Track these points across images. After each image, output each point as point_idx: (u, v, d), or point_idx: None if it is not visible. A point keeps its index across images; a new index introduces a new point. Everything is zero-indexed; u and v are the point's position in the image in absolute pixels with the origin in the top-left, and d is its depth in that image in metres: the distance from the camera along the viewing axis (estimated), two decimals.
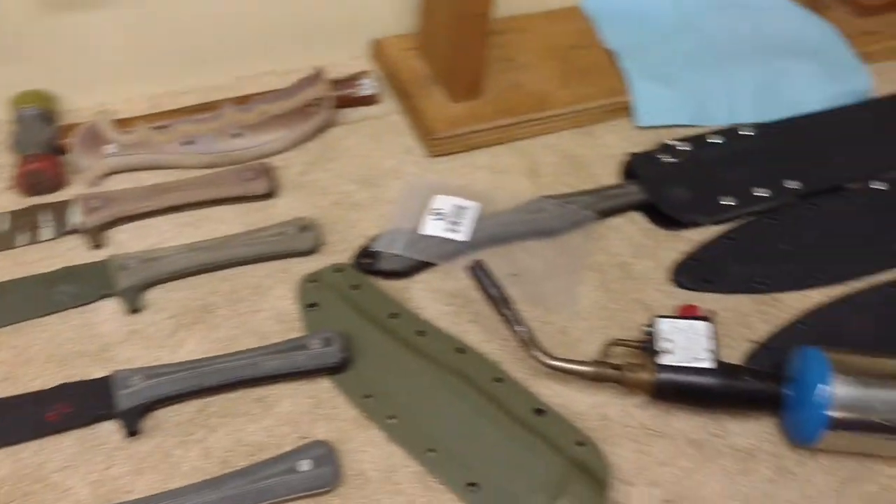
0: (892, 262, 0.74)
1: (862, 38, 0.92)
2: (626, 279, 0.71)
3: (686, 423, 0.62)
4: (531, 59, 0.85)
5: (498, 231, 0.71)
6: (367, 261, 0.68)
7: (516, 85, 0.82)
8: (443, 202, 0.71)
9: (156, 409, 0.60)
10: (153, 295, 0.67)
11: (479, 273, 0.63)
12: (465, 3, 0.71)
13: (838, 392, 0.57)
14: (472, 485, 0.56)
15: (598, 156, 0.80)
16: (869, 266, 0.73)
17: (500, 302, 0.62)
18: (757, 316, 0.69)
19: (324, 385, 0.62)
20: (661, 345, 0.61)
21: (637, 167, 0.77)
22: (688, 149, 0.79)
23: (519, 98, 0.81)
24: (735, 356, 0.66)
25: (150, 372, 0.60)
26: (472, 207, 0.71)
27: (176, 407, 0.61)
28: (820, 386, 0.58)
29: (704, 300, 0.70)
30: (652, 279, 0.71)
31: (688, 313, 0.63)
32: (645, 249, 0.73)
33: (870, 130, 0.84)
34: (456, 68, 0.76)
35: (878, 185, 0.79)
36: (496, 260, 0.70)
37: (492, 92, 0.81)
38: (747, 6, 0.93)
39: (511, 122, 0.79)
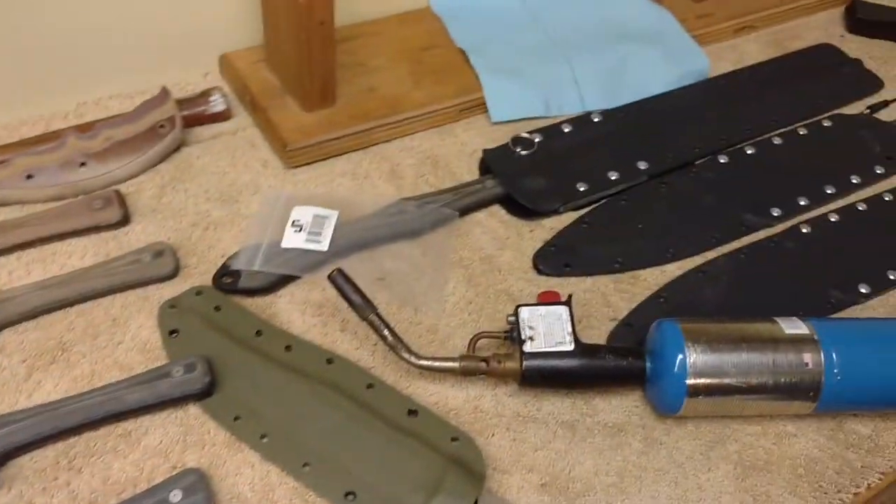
0: (740, 230, 0.78)
1: (697, 22, 0.97)
2: (490, 272, 0.72)
3: (557, 406, 0.64)
4: (384, 62, 0.85)
5: (360, 237, 0.71)
6: (228, 280, 0.67)
7: (370, 89, 0.82)
8: (301, 213, 0.71)
9: (15, 457, 0.57)
10: (4, 338, 0.63)
11: (340, 281, 0.63)
12: (306, 12, 0.71)
13: (693, 361, 0.60)
14: (350, 494, 0.56)
15: (457, 154, 0.81)
16: (719, 236, 0.77)
17: (363, 308, 0.62)
18: (617, 294, 0.72)
19: (192, 412, 0.60)
20: (525, 333, 0.62)
21: (492, 162, 0.78)
22: (540, 139, 0.81)
23: (373, 102, 0.81)
24: (600, 336, 0.69)
25: (4, 420, 0.57)
26: (331, 216, 0.71)
27: (36, 452, 0.58)
28: (677, 357, 0.60)
29: (567, 285, 0.72)
30: (516, 269, 0.73)
31: (547, 299, 0.65)
32: (507, 241, 0.75)
33: (710, 108, 0.89)
34: (305, 78, 0.76)
35: (722, 159, 0.83)
36: (361, 266, 0.70)
37: (345, 98, 0.81)
38: None
39: (367, 127, 0.79)
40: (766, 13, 1.01)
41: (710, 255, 0.76)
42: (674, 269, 0.75)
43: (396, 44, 0.88)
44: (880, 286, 0.74)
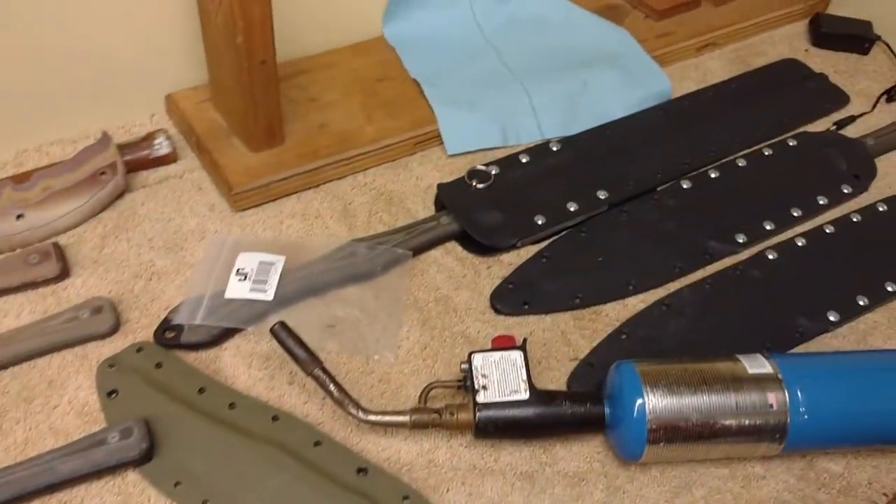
0: (705, 259, 0.76)
1: (658, 42, 0.95)
2: (446, 313, 0.70)
3: (515, 456, 0.61)
4: (336, 96, 0.83)
5: (309, 283, 0.68)
6: (170, 335, 0.64)
7: (321, 125, 0.80)
8: (246, 260, 0.68)
9: None
10: None
11: (283, 335, 0.60)
12: (245, 52, 0.68)
13: (653, 406, 0.58)
14: None
15: (412, 189, 0.79)
16: (683, 266, 0.75)
17: (307, 362, 0.60)
18: (578, 332, 0.69)
19: (131, 478, 0.58)
20: (478, 382, 0.60)
21: (446, 197, 0.76)
22: (497, 171, 0.79)
23: (324, 139, 0.78)
24: (560, 377, 0.66)
25: None
26: (278, 262, 0.68)
27: None
28: (635, 402, 0.58)
29: (525, 324, 0.70)
30: (472, 310, 0.70)
31: (502, 344, 0.63)
32: (464, 280, 0.72)
33: (673, 131, 0.87)
34: (250, 118, 0.73)
35: (685, 184, 0.81)
36: (310, 313, 0.68)
37: (295, 136, 0.78)
38: (547, 22, 0.94)
39: (317, 165, 0.77)
40: (729, 29, 0.99)
41: (674, 285, 0.74)
42: (636, 303, 0.72)
43: (349, 76, 0.85)
44: (849, 312, 0.72)
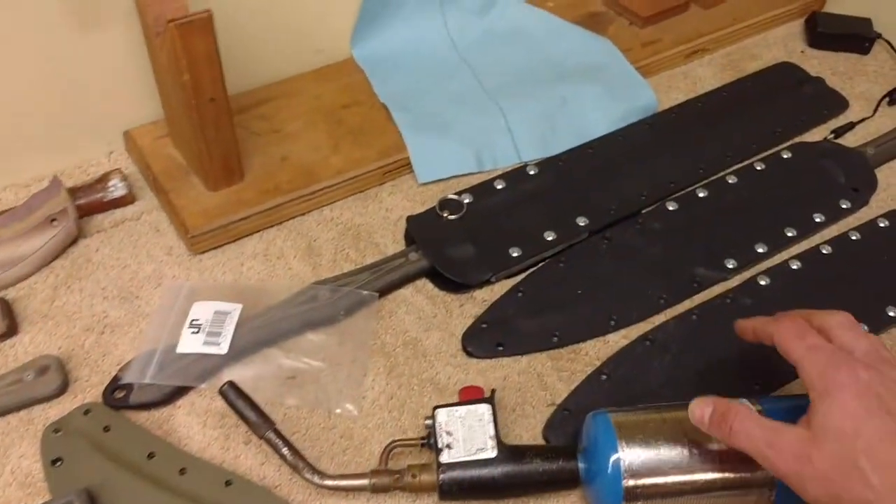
0: (692, 288, 0.71)
1: (644, 50, 0.90)
2: (415, 358, 0.66)
3: None
4: (299, 126, 0.79)
5: (266, 332, 0.64)
6: (119, 395, 0.61)
7: (283, 159, 0.76)
8: (201, 311, 0.64)
9: None
10: None
11: (232, 396, 0.56)
12: (193, 91, 0.65)
13: (629, 461, 0.53)
14: None
15: (381, 222, 0.75)
16: (668, 297, 0.70)
17: (258, 425, 0.56)
18: (555, 374, 0.65)
19: None
20: (442, 440, 0.56)
21: (415, 231, 0.72)
22: (470, 200, 0.75)
23: (286, 174, 0.75)
24: (536, 424, 0.62)
25: None
26: (234, 311, 0.65)
27: None
28: (610, 457, 0.54)
29: (499, 367, 0.66)
30: (443, 353, 0.66)
31: (468, 396, 0.58)
32: (434, 320, 0.68)
33: (659, 147, 0.82)
34: (204, 157, 0.70)
35: (671, 206, 0.77)
36: (268, 365, 0.64)
37: (256, 171, 0.74)
38: (525, 35, 0.90)
39: (279, 201, 0.73)
40: (719, 34, 0.94)
41: (659, 318, 0.69)
42: (618, 339, 0.68)
43: (313, 103, 0.82)
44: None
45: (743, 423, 0.49)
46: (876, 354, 0.49)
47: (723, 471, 0.54)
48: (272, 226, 0.74)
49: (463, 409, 0.57)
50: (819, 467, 0.45)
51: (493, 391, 0.59)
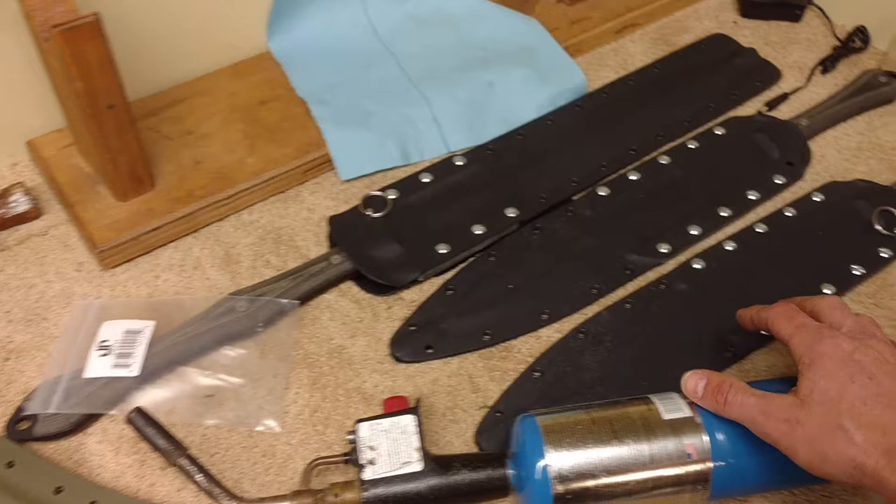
0: (625, 276, 0.69)
1: (573, 28, 0.88)
2: (340, 368, 0.63)
3: None
4: (213, 126, 0.75)
5: (181, 350, 0.61)
6: (23, 427, 0.57)
7: (196, 163, 0.72)
8: (110, 331, 0.61)
9: None
10: None
11: (139, 423, 0.54)
12: (87, 99, 0.61)
13: (558, 466, 0.51)
14: None
15: (303, 224, 0.72)
16: (601, 286, 0.68)
17: (170, 452, 0.53)
18: (487, 375, 0.63)
19: None
20: (365, 455, 0.53)
21: (337, 232, 0.69)
22: (395, 196, 0.72)
23: (200, 178, 0.71)
24: (467, 429, 0.60)
25: None
26: (146, 329, 0.61)
27: None
28: (537, 463, 0.52)
29: (429, 371, 0.63)
30: (370, 360, 0.64)
31: (392, 408, 0.56)
32: (360, 325, 0.66)
33: (590, 130, 0.79)
34: (108, 167, 0.66)
35: (602, 191, 0.74)
36: (184, 384, 0.61)
37: (167, 178, 0.71)
38: (450, 18, 0.86)
39: (193, 208, 0.69)
40: (650, 7, 0.91)
41: (593, 309, 0.67)
42: (551, 334, 0.66)
43: (229, 101, 0.78)
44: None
45: (737, 394, 0.51)
46: (861, 329, 0.52)
47: (654, 469, 0.52)
48: (187, 234, 0.70)
49: (386, 422, 0.55)
50: (807, 430, 0.48)
51: (417, 401, 0.57)
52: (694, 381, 0.54)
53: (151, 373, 0.60)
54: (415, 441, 0.54)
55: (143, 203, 0.69)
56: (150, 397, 0.59)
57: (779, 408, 0.49)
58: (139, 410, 0.54)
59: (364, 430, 0.54)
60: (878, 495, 0.47)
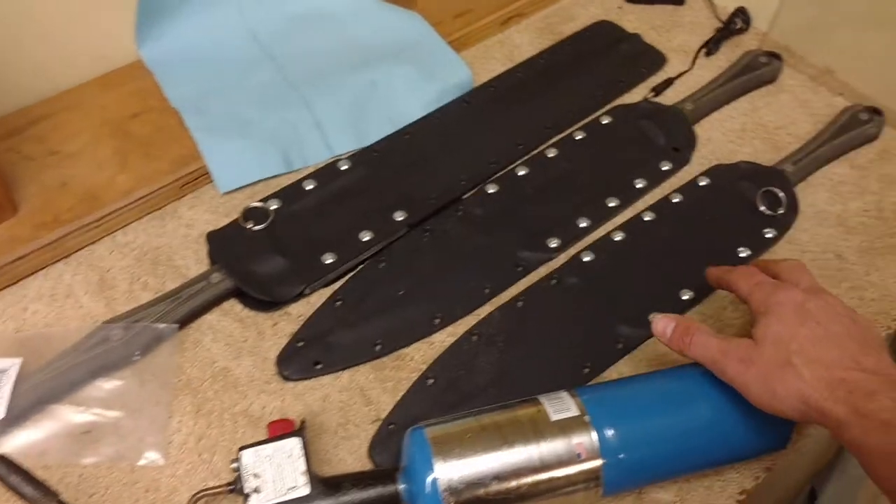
0: (516, 273, 0.68)
1: (456, 22, 0.86)
2: (225, 391, 0.61)
3: None
4: (81, 144, 0.72)
5: (53, 386, 0.58)
6: None
7: (62, 184, 0.68)
8: None
9: None
10: None
11: (2, 472, 0.50)
12: None
13: (448, 478, 0.50)
14: None
15: (182, 241, 0.69)
16: (493, 286, 0.68)
17: (38, 501, 0.50)
18: (379, 386, 0.62)
19: None
20: (249, 483, 0.51)
21: (216, 249, 0.66)
22: (278, 206, 0.70)
23: (67, 201, 0.67)
24: (361, 445, 0.59)
25: None
26: (11, 368, 0.58)
27: None
28: (426, 476, 0.51)
29: (319, 387, 0.61)
30: (257, 380, 0.61)
31: (277, 432, 0.54)
32: (245, 345, 0.63)
33: (476, 126, 0.78)
34: None
35: (491, 189, 0.73)
36: (57, 423, 0.58)
37: (30, 202, 0.67)
38: (330, 17, 0.84)
39: (61, 234, 0.66)
40: None
41: (486, 310, 0.66)
42: (444, 339, 0.65)
43: (97, 116, 0.74)
44: (674, 311, 0.65)
45: (701, 336, 0.55)
46: (816, 287, 0.55)
47: (545, 471, 0.52)
48: (57, 261, 0.67)
49: (270, 447, 0.53)
50: (760, 368, 0.51)
51: (302, 422, 0.55)
52: (663, 323, 0.57)
53: (19, 414, 0.57)
54: (301, 465, 0.52)
55: (4, 231, 0.65)
56: (18, 440, 0.56)
57: (736, 348, 0.53)
58: (2, 458, 0.51)
59: (248, 457, 0.52)
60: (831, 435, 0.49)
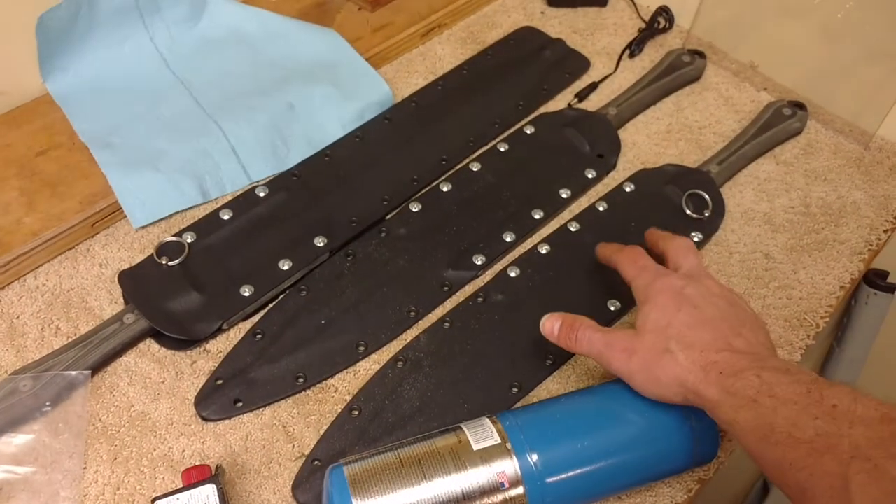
0: (443, 293, 0.67)
1: (376, 36, 0.85)
2: (143, 436, 0.59)
3: None
4: None
5: None
6: None
7: None
8: None
9: None
10: None
11: None
12: None
13: None
14: None
15: (95, 282, 0.67)
16: (419, 309, 0.66)
17: None
18: (302, 421, 0.60)
19: None
20: None
21: (128, 288, 0.64)
22: (193, 239, 0.68)
23: None
24: (284, 484, 0.57)
25: None
26: None
27: None
28: None
29: (240, 425, 0.60)
30: (175, 423, 0.59)
31: (191, 479, 0.52)
32: (163, 386, 0.61)
33: (397, 143, 0.77)
34: None
35: (414, 207, 0.72)
36: None
37: None
38: (241, 38, 0.82)
39: None
40: (454, 6, 0.89)
41: (412, 333, 0.65)
42: (369, 366, 0.63)
43: (2, 155, 0.71)
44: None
45: (586, 331, 0.56)
46: (697, 269, 0.57)
47: (467, 500, 0.50)
48: None
49: (185, 496, 0.51)
50: (641, 356, 0.52)
51: (218, 467, 0.53)
52: (550, 323, 0.58)
53: None
54: None
55: None
56: None
57: (620, 339, 0.54)
58: None
59: None
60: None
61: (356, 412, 0.60)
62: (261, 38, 0.81)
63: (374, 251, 0.69)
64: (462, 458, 0.51)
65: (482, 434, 0.53)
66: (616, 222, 0.72)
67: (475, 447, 0.52)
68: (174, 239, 0.67)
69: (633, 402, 0.54)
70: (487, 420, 0.54)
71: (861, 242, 0.72)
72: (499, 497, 0.51)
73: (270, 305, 0.66)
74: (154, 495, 0.55)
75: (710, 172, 0.75)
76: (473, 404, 0.60)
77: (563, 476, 0.52)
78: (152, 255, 0.66)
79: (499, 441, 0.52)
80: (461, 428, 0.54)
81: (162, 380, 0.62)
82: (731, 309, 0.54)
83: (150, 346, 0.63)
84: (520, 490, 0.51)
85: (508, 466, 0.51)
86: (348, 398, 0.61)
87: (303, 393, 0.62)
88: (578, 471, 0.53)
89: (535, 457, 0.52)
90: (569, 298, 0.66)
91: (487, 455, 0.52)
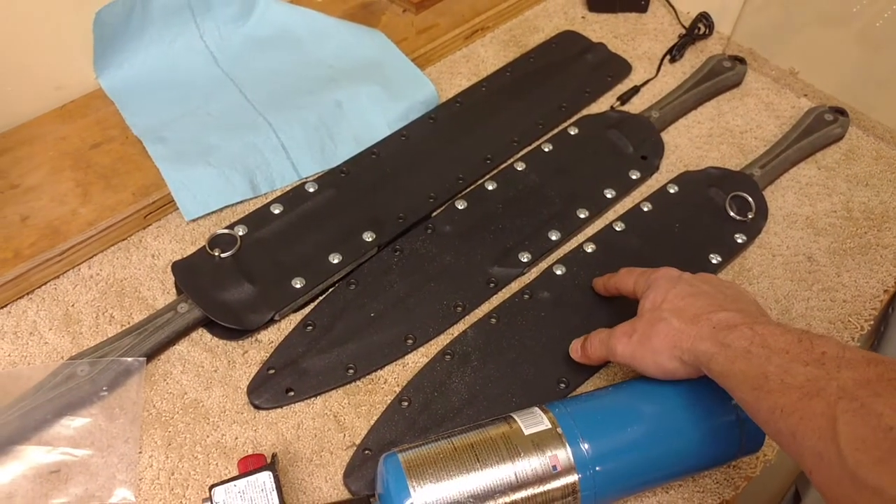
0: (489, 290, 0.68)
1: (420, 38, 0.86)
2: (196, 423, 0.60)
3: None
4: (41, 177, 0.70)
5: (16, 428, 0.57)
6: None
7: (23, 219, 0.67)
8: None
9: None
10: None
11: None
12: None
13: (420, 501, 0.50)
14: None
15: (148, 272, 0.68)
16: (465, 303, 0.67)
17: None
18: (353, 411, 0.61)
19: None
20: None
21: (181, 278, 0.65)
22: (244, 232, 0.69)
23: (28, 236, 0.66)
24: (335, 472, 0.58)
25: None
26: None
27: None
28: (402, 502, 0.50)
29: (292, 414, 0.60)
30: (228, 411, 0.60)
31: (248, 467, 0.53)
32: (216, 375, 0.62)
33: (443, 142, 0.78)
34: None
35: (460, 205, 0.73)
36: (23, 464, 0.57)
37: None
38: (289, 37, 0.83)
39: (23, 270, 0.64)
40: (497, 9, 0.90)
41: (458, 328, 0.66)
42: (417, 360, 0.64)
43: (57, 148, 0.73)
44: None
45: (594, 338, 0.59)
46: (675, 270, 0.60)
47: (522, 488, 0.51)
48: (20, 297, 0.65)
49: (242, 483, 0.52)
50: (640, 332, 0.55)
51: (273, 455, 0.54)
52: (575, 346, 0.62)
53: None
54: (274, 498, 0.51)
55: None
56: None
57: (622, 326, 0.57)
58: None
59: (219, 494, 0.51)
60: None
61: (406, 403, 0.61)
62: (309, 37, 0.83)
63: (421, 247, 0.70)
64: (514, 443, 0.52)
65: (532, 421, 0.53)
66: (661, 223, 0.72)
67: (526, 432, 0.52)
68: (226, 231, 0.68)
69: (679, 391, 0.55)
70: (537, 408, 0.54)
71: None
72: (551, 483, 0.51)
73: (320, 298, 0.67)
74: (207, 481, 0.57)
75: (753, 175, 0.76)
76: (521, 398, 0.61)
77: (615, 464, 0.52)
78: (204, 246, 0.67)
79: (549, 427, 0.53)
80: (512, 416, 0.54)
81: (214, 368, 0.62)
82: (727, 287, 0.56)
83: (203, 335, 0.64)
84: (574, 477, 0.51)
85: (560, 452, 0.52)
86: (398, 389, 0.62)
87: (353, 384, 0.62)
88: (629, 459, 0.53)
89: (586, 445, 0.52)
90: (615, 297, 0.67)
91: (539, 440, 0.52)
